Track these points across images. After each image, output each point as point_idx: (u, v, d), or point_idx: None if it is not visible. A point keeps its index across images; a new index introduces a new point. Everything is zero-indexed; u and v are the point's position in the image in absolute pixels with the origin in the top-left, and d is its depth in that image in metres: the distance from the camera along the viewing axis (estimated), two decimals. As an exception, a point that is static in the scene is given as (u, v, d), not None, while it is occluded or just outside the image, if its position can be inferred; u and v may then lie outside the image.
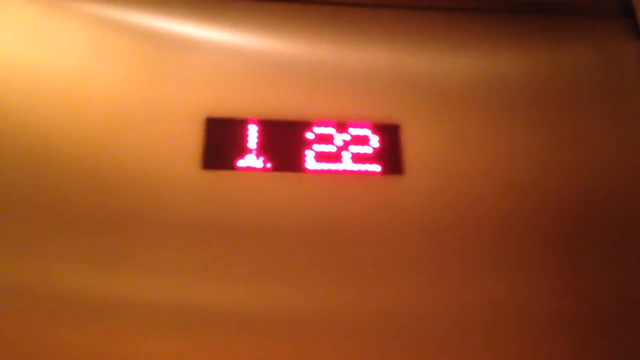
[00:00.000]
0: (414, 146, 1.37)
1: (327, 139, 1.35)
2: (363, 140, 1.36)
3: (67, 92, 1.34)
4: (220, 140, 1.32)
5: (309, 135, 1.35)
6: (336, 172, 1.33)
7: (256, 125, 1.34)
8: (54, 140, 1.29)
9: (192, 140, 1.32)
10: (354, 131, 1.37)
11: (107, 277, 1.19)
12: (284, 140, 1.34)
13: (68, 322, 1.15)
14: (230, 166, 1.31)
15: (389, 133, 1.37)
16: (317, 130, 1.35)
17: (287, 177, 1.31)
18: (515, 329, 1.23)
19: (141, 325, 1.17)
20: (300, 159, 1.33)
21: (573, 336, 1.24)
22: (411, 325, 1.22)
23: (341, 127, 1.37)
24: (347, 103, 1.39)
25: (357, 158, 1.35)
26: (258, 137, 1.33)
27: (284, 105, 1.38)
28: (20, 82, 1.33)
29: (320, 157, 1.34)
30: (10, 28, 1.38)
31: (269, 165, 1.32)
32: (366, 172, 1.34)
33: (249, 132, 1.33)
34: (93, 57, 1.38)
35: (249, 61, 1.41)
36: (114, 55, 1.38)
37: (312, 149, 1.34)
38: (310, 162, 1.33)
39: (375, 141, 1.36)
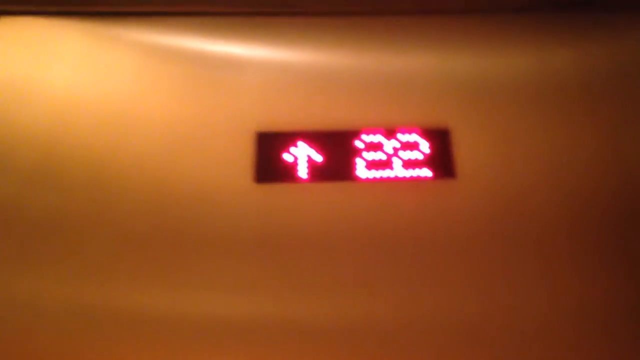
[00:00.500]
0: (465, 150, 1.36)
1: (376, 147, 1.36)
2: (413, 146, 1.36)
3: (122, 118, 1.39)
4: (271, 154, 1.35)
5: (359, 144, 1.36)
6: (388, 179, 1.33)
7: (305, 137, 1.36)
8: (113, 165, 1.34)
9: (244, 155, 1.35)
10: (403, 137, 1.37)
11: (168, 295, 1.22)
12: (334, 151, 1.35)
13: (130, 341, 1.18)
14: (283, 179, 1.33)
15: (439, 137, 1.37)
16: (366, 138, 1.36)
17: (339, 187, 1.32)
18: (591, 334, 1.20)
19: (202, 341, 1.19)
20: (350, 168, 1.34)
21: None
22: (469, 333, 1.20)
23: (390, 134, 1.37)
24: (394, 110, 1.40)
25: (408, 164, 1.35)
26: (308, 149, 1.35)
27: (332, 116, 1.39)
28: (78, 112, 1.39)
29: (371, 165, 1.34)
30: (66, 61, 1.45)
31: (320, 176, 1.33)
32: (418, 178, 1.33)
33: (298, 145, 1.36)
34: (145, 82, 1.43)
35: (296, 75, 1.44)
36: (166, 80, 1.43)
37: (362, 157, 1.35)
38: (361, 170, 1.34)
39: (425, 146, 1.36)
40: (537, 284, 1.24)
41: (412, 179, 1.33)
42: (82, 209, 1.29)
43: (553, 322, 1.21)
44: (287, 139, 1.36)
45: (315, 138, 1.36)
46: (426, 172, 1.34)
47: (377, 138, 1.37)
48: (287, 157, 1.35)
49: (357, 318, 1.21)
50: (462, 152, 1.36)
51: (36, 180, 1.32)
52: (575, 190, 1.32)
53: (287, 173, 1.33)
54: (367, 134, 1.37)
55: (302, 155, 1.35)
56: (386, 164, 1.35)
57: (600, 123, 1.39)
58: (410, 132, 1.37)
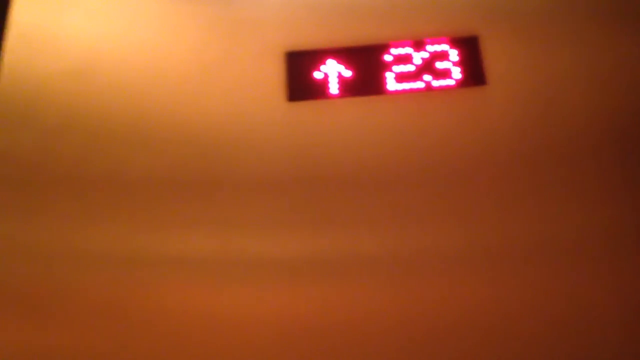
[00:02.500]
0: (495, 56, 1.35)
1: (406, 59, 1.36)
2: (442, 56, 1.36)
3: (147, 57, 1.39)
4: (302, 73, 1.36)
5: (388, 57, 1.36)
6: (418, 90, 1.34)
7: (335, 53, 1.37)
8: (143, 100, 1.35)
9: (276, 75, 1.36)
10: (431, 48, 1.36)
11: (209, 232, 1.23)
12: (363, 65, 1.36)
13: (176, 283, 1.19)
14: (315, 96, 1.34)
15: (468, 45, 1.36)
16: (395, 51, 1.36)
17: (370, 101, 1.33)
18: (619, 254, 1.17)
19: (240, 280, 1.19)
20: (381, 81, 1.34)
21: None
22: (506, 253, 1.18)
23: (418, 45, 1.37)
24: (422, 21, 1.39)
25: (438, 74, 1.34)
26: (337, 65, 1.36)
27: (360, 31, 1.39)
28: (103, 50, 1.40)
29: (401, 77, 1.35)
30: (86, 6, 1.45)
31: (350, 91, 1.34)
32: (448, 87, 1.33)
33: (328, 61, 1.36)
34: (170, 13, 1.43)
35: None
36: (190, 11, 1.43)
37: (392, 70, 1.35)
38: (391, 83, 1.34)
39: (454, 55, 1.35)
40: (564, 195, 1.22)
41: (442, 88, 1.33)
42: (114, 154, 1.30)
43: (580, 242, 1.18)
44: (316, 56, 1.37)
45: (344, 54, 1.37)
46: (457, 81, 1.34)
47: (406, 50, 1.36)
48: (317, 74, 1.36)
49: (389, 245, 1.20)
50: (492, 59, 1.35)
51: (67, 123, 1.34)
52: (608, 99, 1.30)
53: (318, 90, 1.34)
54: (396, 47, 1.37)
55: (332, 72, 1.35)
56: (416, 76, 1.35)
57: (637, 30, 1.35)
58: (439, 42, 1.37)
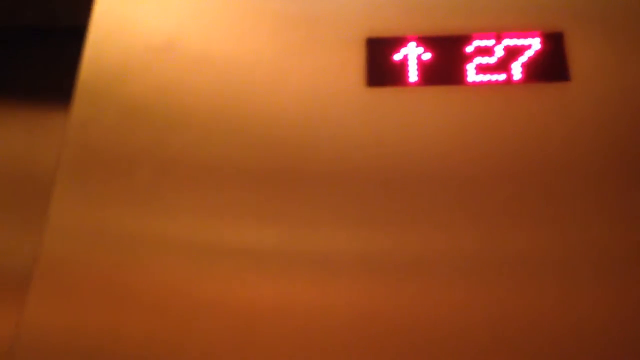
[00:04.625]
0: (580, 53, 1.33)
1: (488, 51, 1.34)
2: (526, 50, 1.34)
3: (230, 38, 1.41)
4: (383, 59, 1.36)
5: (470, 48, 1.35)
6: (499, 82, 1.32)
7: (416, 41, 1.36)
8: (221, 88, 1.36)
9: (356, 61, 1.36)
10: (514, 41, 1.35)
11: (286, 229, 1.21)
12: (445, 54, 1.35)
13: (241, 275, 1.18)
14: (394, 82, 1.34)
15: (553, 41, 1.34)
16: (478, 42, 1.35)
17: (450, 90, 1.32)
18: None
19: (315, 275, 1.17)
20: (462, 71, 1.33)
21: None
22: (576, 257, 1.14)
23: (502, 38, 1.35)
24: (506, 13, 1.37)
25: (520, 67, 1.32)
26: (419, 53, 1.35)
27: (443, 20, 1.38)
28: (185, 34, 1.43)
29: (482, 69, 1.33)
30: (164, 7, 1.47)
31: (430, 79, 1.33)
32: (530, 81, 1.31)
33: (409, 49, 1.36)
34: (251, 2, 1.45)
35: None
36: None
37: (473, 62, 1.34)
38: (472, 74, 1.33)
39: (538, 49, 1.33)
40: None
41: (524, 82, 1.31)
42: (193, 137, 1.31)
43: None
44: (397, 43, 1.37)
45: (426, 42, 1.36)
46: (539, 75, 1.32)
47: (489, 42, 1.35)
48: (397, 60, 1.36)
49: (470, 243, 1.17)
50: (577, 55, 1.32)
51: (135, 113, 1.34)
52: None
53: (397, 77, 1.34)
54: (479, 38, 1.35)
55: (412, 59, 1.35)
56: (497, 68, 1.33)
57: None
58: (523, 37, 1.35)
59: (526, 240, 1.16)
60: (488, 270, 1.14)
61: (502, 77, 1.32)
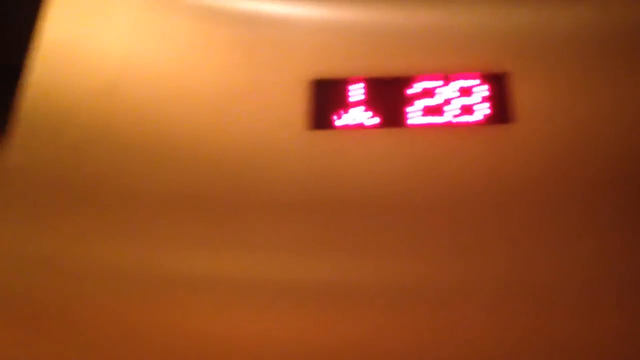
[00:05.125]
0: (524, 94, 1.32)
1: (431, 93, 1.33)
2: (469, 91, 1.33)
3: (174, 74, 1.39)
4: (326, 101, 1.34)
5: (413, 90, 1.34)
6: (443, 125, 1.31)
7: (360, 83, 1.35)
8: (165, 124, 1.35)
9: (298, 104, 1.34)
10: (458, 83, 1.34)
11: (221, 256, 1.22)
12: (389, 97, 1.34)
13: (187, 303, 1.18)
14: (337, 125, 1.32)
15: (497, 82, 1.33)
16: (421, 84, 1.34)
17: (394, 134, 1.31)
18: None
19: (253, 304, 1.18)
20: (406, 114, 1.32)
21: None
22: (531, 287, 1.15)
23: (446, 80, 1.34)
24: (451, 55, 1.37)
25: (464, 109, 1.31)
26: (363, 95, 1.34)
27: (388, 62, 1.37)
28: (130, 72, 1.41)
29: (426, 110, 1.32)
30: (118, 25, 1.47)
31: (374, 122, 1.32)
32: (474, 123, 1.30)
33: (353, 91, 1.34)
34: (195, 41, 1.43)
35: (347, 25, 1.42)
36: (215, 38, 1.43)
37: (416, 103, 1.32)
38: (415, 117, 1.32)
39: (481, 91, 1.32)
40: (585, 237, 1.18)
41: (468, 124, 1.31)
42: (135, 167, 1.30)
43: (598, 282, 1.15)
44: (340, 86, 1.35)
45: (369, 84, 1.35)
46: (484, 118, 1.31)
47: (434, 83, 1.34)
48: (341, 103, 1.34)
49: (412, 276, 1.18)
50: (521, 96, 1.31)
51: (93, 138, 1.33)
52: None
53: (341, 119, 1.33)
54: (422, 80, 1.34)
55: (356, 102, 1.33)
56: (441, 110, 1.32)
57: None
58: (466, 78, 1.34)
59: (462, 272, 1.17)
60: (424, 301, 1.14)
61: (445, 119, 1.31)
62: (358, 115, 1.32)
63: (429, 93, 1.33)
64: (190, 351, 1.13)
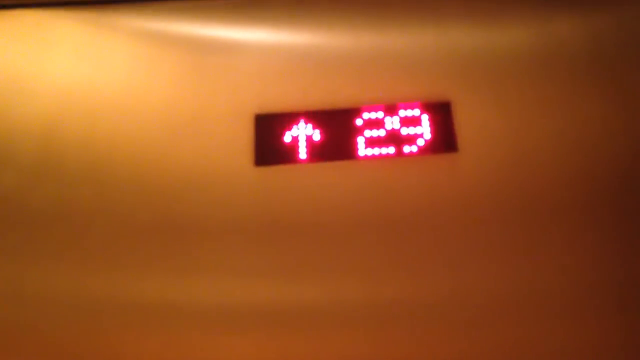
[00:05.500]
0: (467, 122, 1.33)
1: (377, 124, 1.34)
2: (414, 121, 1.34)
3: (118, 108, 1.38)
4: (271, 136, 1.33)
5: (359, 122, 1.34)
6: (389, 155, 1.32)
7: (305, 117, 1.35)
8: (111, 155, 1.33)
9: (244, 138, 1.34)
10: (404, 113, 1.35)
11: (170, 283, 1.22)
12: (334, 130, 1.34)
13: (132, 330, 1.18)
14: (283, 160, 1.32)
15: (440, 110, 1.34)
16: (367, 115, 1.34)
17: (340, 166, 1.31)
18: (590, 309, 1.18)
19: (204, 328, 1.18)
20: (352, 146, 1.32)
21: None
22: (475, 310, 1.18)
23: (390, 110, 1.35)
24: (394, 85, 1.37)
25: (409, 139, 1.33)
26: (307, 129, 1.34)
27: (332, 95, 1.37)
28: (76, 102, 1.39)
29: (372, 142, 1.33)
30: (62, 51, 1.44)
31: (320, 155, 1.32)
32: (419, 153, 1.31)
33: (298, 125, 1.34)
34: (141, 71, 1.42)
35: (293, 56, 1.42)
36: (160, 67, 1.42)
37: (363, 135, 1.33)
38: (361, 148, 1.32)
39: (425, 120, 1.34)
40: (540, 260, 1.22)
41: (413, 154, 1.32)
42: (82, 199, 1.29)
43: (553, 300, 1.19)
44: (286, 120, 1.35)
45: (314, 118, 1.35)
46: (428, 147, 1.32)
47: (378, 115, 1.34)
48: (286, 138, 1.33)
49: (359, 300, 1.20)
50: (464, 125, 1.33)
51: (37, 173, 1.32)
52: (581, 165, 1.29)
53: (287, 154, 1.32)
54: (368, 111, 1.35)
55: (301, 136, 1.33)
56: (387, 141, 1.33)
57: (608, 95, 1.35)
58: (411, 107, 1.35)
59: (406, 291, 1.20)
60: (371, 320, 1.18)
61: (391, 150, 1.32)
62: (303, 149, 1.32)
63: (374, 124, 1.34)
64: None
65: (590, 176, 1.28)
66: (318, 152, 1.32)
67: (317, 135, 1.33)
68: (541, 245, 1.23)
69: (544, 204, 1.26)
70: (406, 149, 1.32)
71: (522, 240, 1.24)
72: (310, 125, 1.34)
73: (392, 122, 1.34)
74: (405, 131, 1.33)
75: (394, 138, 1.33)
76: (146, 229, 1.26)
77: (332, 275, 1.22)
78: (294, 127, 1.34)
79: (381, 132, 1.33)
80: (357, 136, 1.33)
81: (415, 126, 1.34)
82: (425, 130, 1.33)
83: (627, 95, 1.35)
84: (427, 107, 1.35)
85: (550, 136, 1.32)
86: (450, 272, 1.22)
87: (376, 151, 1.32)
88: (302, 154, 1.32)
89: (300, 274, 1.22)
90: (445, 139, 1.32)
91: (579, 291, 1.19)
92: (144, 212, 1.28)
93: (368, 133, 1.33)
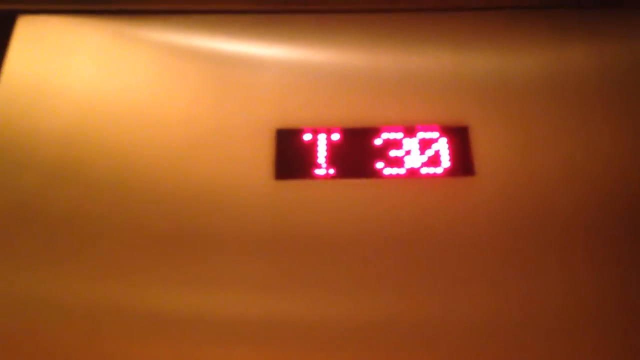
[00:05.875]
0: (484, 147, 1.36)
1: (396, 144, 1.36)
2: (432, 143, 1.36)
3: (139, 118, 1.39)
4: (292, 151, 1.35)
5: (378, 141, 1.36)
6: (406, 176, 1.33)
7: (325, 133, 1.37)
8: (131, 165, 1.34)
9: (264, 153, 1.35)
10: (422, 135, 1.37)
11: (186, 294, 1.22)
12: (354, 148, 1.35)
13: (143, 339, 1.18)
14: (303, 175, 1.33)
15: (458, 135, 1.37)
16: (386, 135, 1.36)
17: (358, 184, 1.32)
18: (609, 331, 1.19)
19: (217, 341, 1.18)
20: (370, 165, 1.34)
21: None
22: (485, 333, 1.19)
23: (409, 132, 1.37)
24: (414, 107, 1.40)
25: (427, 162, 1.35)
26: (328, 146, 1.36)
27: (352, 113, 1.39)
28: (98, 111, 1.39)
29: (390, 162, 1.34)
30: (85, 60, 1.46)
31: (339, 172, 1.33)
32: (436, 175, 1.33)
33: (319, 141, 1.36)
34: (162, 82, 1.43)
35: (314, 73, 1.44)
36: (182, 79, 1.43)
37: (381, 155, 1.35)
38: (380, 167, 1.34)
39: (444, 143, 1.36)
40: (554, 282, 1.23)
41: (431, 176, 1.33)
42: (101, 207, 1.29)
43: (570, 323, 1.20)
44: (306, 135, 1.36)
45: (334, 134, 1.37)
46: (445, 170, 1.34)
47: (397, 135, 1.37)
48: (306, 153, 1.35)
49: (374, 318, 1.20)
50: (481, 149, 1.36)
51: (57, 179, 1.32)
52: (594, 188, 1.31)
53: (306, 170, 1.33)
54: (387, 131, 1.37)
55: (321, 152, 1.35)
56: (405, 162, 1.34)
57: (619, 121, 1.39)
58: (430, 130, 1.37)
59: (421, 311, 1.20)
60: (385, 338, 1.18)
61: (409, 171, 1.34)
62: (323, 166, 1.34)
63: (394, 145, 1.36)
64: None
65: (602, 199, 1.31)
66: (338, 169, 1.34)
67: (337, 152, 1.35)
68: (554, 268, 1.24)
69: (557, 226, 1.28)
70: (423, 170, 1.34)
71: (535, 261, 1.25)
72: (330, 142, 1.36)
73: (409, 144, 1.36)
74: (423, 153, 1.35)
75: (412, 159, 1.35)
76: (162, 240, 1.26)
77: (346, 292, 1.22)
78: (315, 143, 1.36)
79: (399, 153, 1.35)
80: (376, 155, 1.35)
81: (433, 148, 1.36)
82: (443, 153, 1.35)
83: (635, 121, 1.39)
84: (445, 131, 1.37)
85: (565, 162, 1.34)
86: (465, 293, 1.22)
87: (394, 171, 1.33)
88: (322, 169, 1.33)
89: (314, 289, 1.23)
90: (462, 163, 1.34)
91: (594, 313, 1.20)
92: (160, 222, 1.28)
93: (387, 153, 1.35)
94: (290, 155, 1.35)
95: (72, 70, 1.44)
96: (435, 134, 1.37)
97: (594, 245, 1.26)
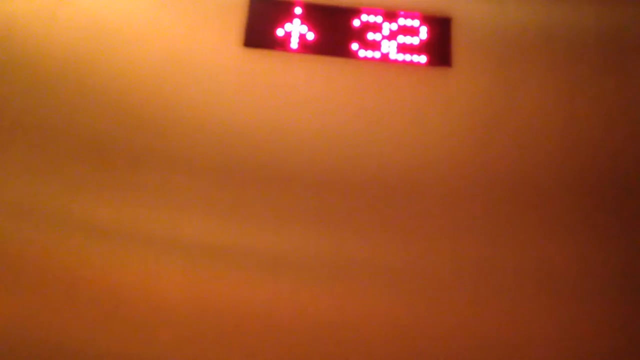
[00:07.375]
0: (465, 40, 1.30)
1: (375, 27, 1.30)
2: (412, 31, 1.30)
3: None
4: (264, 21, 1.28)
5: (356, 22, 1.30)
6: (382, 60, 1.28)
7: (302, 7, 1.30)
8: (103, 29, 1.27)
9: (236, 21, 1.28)
10: (402, 21, 1.31)
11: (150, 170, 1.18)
12: (330, 26, 1.29)
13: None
14: (273, 46, 1.27)
15: (440, 25, 1.31)
16: (365, 17, 1.30)
17: (331, 62, 1.27)
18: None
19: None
20: (346, 45, 1.28)
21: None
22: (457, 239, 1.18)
23: (390, 16, 1.31)
24: (396, -9, 1.34)
25: (405, 48, 1.29)
26: (303, 20, 1.29)
27: (332, -10, 1.32)
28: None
29: (367, 44, 1.29)
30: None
31: (312, 48, 1.27)
32: (412, 63, 1.28)
33: (294, 14, 1.29)
34: None
35: None
36: None
37: (359, 36, 1.29)
38: (356, 49, 1.28)
39: (424, 32, 1.30)
40: (528, 168, 1.23)
41: (407, 63, 1.28)
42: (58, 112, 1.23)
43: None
44: (282, 7, 1.29)
45: (311, 9, 1.30)
46: (422, 58, 1.28)
47: (377, 19, 1.30)
48: (280, 24, 1.28)
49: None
50: (462, 43, 1.30)
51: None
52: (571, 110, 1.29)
53: (278, 41, 1.27)
54: (367, 13, 1.30)
55: (296, 25, 1.28)
56: (383, 46, 1.29)
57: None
58: (411, 17, 1.31)
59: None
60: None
61: (385, 55, 1.28)
62: (296, 39, 1.27)
63: (372, 27, 1.30)
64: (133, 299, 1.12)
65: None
66: (311, 45, 1.28)
67: (312, 28, 1.28)
68: (527, 153, 1.23)
69: (527, 119, 1.26)
70: (399, 57, 1.28)
71: (506, 151, 1.24)
72: (307, 16, 1.29)
73: (389, 28, 1.30)
74: (402, 39, 1.29)
75: (390, 44, 1.29)
76: (133, 108, 1.21)
77: (303, 183, 1.20)
78: (290, 16, 1.29)
79: (377, 36, 1.29)
80: (353, 36, 1.29)
81: (412, 36, 1.30)
82: (421, 41, 1.30)
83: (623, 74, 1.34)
84: (427, 20, 1.31)
85: (546, 63, 1.30)
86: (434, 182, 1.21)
87: (369, 54, 1.27)
88: (294, 43, 1.27)
89: (273, 171, 1.19)
90: (440, 54, 1.29)
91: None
92: (129, 92, 1.23)
93: (365, 35, 1.29)
94: (263, 25, 1.28)
95: None
96: (416, 22, 1.30)
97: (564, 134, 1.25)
